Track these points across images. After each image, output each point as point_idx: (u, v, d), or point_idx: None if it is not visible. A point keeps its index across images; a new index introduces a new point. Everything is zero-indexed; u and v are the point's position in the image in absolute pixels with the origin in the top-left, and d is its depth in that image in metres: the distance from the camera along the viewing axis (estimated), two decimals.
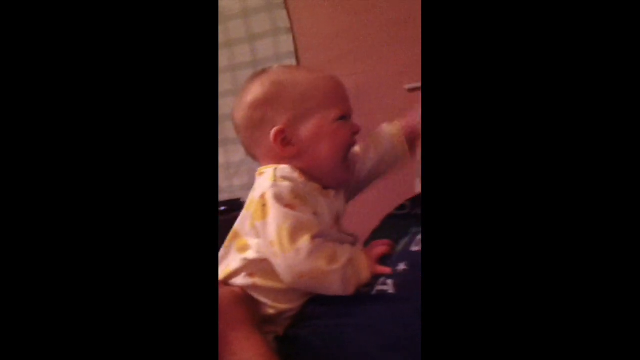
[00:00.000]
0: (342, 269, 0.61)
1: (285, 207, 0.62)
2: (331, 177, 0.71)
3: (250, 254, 0.66)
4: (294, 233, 0.61)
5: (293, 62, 1.67)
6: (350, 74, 1.66)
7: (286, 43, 1.68)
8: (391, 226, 0.77)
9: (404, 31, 1.55)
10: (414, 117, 0.76)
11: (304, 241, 0.60)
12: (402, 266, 0.62)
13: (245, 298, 0.66)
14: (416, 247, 0.64)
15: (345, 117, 0.70)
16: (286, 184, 0.64)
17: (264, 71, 0.73)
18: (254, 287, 0.66)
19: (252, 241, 0.66)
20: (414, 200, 0.81)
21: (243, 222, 0.68)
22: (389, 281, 0.62)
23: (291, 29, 1.67)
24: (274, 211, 0.62)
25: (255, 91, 0.70)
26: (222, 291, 0.64)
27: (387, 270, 0.63)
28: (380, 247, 0.66)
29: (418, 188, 0.84)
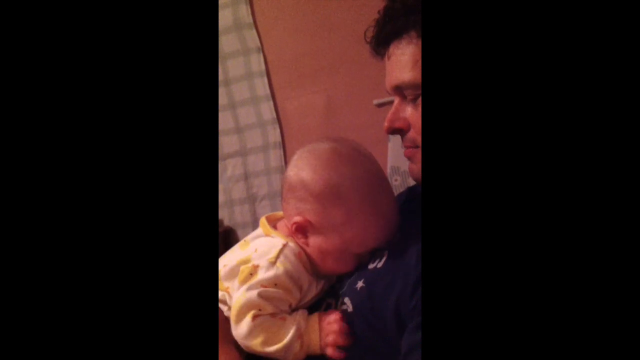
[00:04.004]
0: (285, 347, 0.64)
1: (261, 287, 0.65)
2: (323, 273, 0.73)
3: (225, 299, 0.71)
4: (241, 311, 0.65)
5: (264, 80, 1.70)
6: (321, 90, 1.70)
7: (257, 62, 1.70)
8: None
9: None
10: None
11: (246, 320, 0.64)
12: (347, 302, 0.66)
13: (224, 317, 0.71)
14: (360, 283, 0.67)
15: (363, 255, 0.71)
16: (281, 269, 0.66)
17: (346, 156, 0.70)
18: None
19: (231, 290, 0.70)
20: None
21: (233, 269, 0.70)
22: None
23: (261, 49, 1.70)
24: (250, 285, 0.65)
25: (319, 177, 0.69)
26: None
27: (340, 356, 0.64)
28: (335, 329, 0.65)
29: None
